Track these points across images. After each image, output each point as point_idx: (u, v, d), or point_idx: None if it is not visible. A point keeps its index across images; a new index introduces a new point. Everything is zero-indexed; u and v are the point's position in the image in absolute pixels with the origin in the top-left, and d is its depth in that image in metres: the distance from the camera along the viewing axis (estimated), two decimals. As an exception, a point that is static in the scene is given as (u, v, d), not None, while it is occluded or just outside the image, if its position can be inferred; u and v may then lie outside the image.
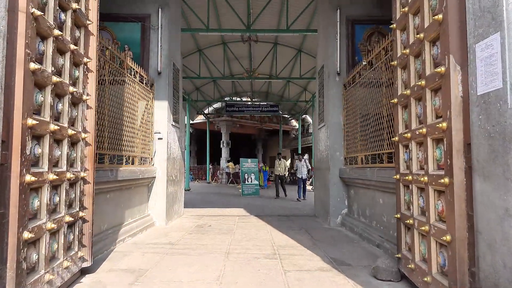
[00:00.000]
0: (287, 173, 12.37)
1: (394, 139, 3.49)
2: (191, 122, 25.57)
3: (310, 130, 25.24)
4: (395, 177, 3.43)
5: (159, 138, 6.69)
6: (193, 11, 9.65)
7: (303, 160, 13.20)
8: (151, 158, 6.60)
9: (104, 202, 4.67)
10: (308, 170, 13.08)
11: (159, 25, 6.78)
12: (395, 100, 3.43)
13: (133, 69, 5.71)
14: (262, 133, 32.86)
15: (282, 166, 13.72)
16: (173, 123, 7.18)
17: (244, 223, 7.03)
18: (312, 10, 10.87)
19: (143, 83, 6.17)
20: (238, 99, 23.76)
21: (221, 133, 26.27)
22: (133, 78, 5.68)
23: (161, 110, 6.73)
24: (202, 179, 28.71)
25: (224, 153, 25.74)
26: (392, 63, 3.58)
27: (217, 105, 25.36)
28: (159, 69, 6.72)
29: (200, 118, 26.00)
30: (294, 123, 29.43)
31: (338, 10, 6.82)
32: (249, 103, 21.40)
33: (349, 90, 6.44)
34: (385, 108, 4.78)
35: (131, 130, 5.66)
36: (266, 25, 12.20)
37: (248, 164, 14.49)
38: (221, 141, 25.81)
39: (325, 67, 7.18)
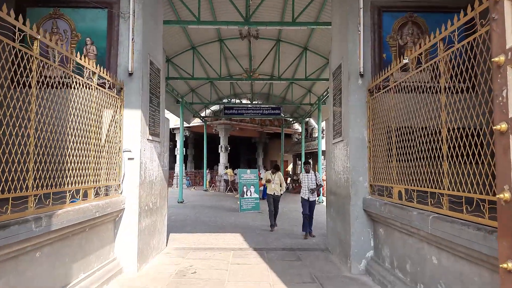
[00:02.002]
0: (283, 192, 9.44)
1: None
2: (187, 125, 24.08)
3: (314, 135, 23.72)
4: (504, 266, 1.89)
5: (129, 158, 5.16)
6: (181, 0, 8.11)
7: (311, 173, 8.27)
8: (118, 185, 5.07)
9: (31, 265, 3.15)
10: (319, 186, 8.15)
11: (131, 12, 5.25)
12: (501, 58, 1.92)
13: (86, 68, 4.18)
14: (263, 136, 31.32)
15: (278, 182, 9.19)
16: (150, 137, 5.65)
17: (240, 266, 5.50)
18: (321, 0, 9.35)
19: (105, 87, 4.65)
20: (237, 101, 22.22)
21: (219, 137, 24.73)
22: (86, 81, 4.15)
23: (133, 122, 5.21)
24: (199, 185, 27.22)
25: (223, 158, 24.20)
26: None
27: (215, 107, 23.83)
28: (130, 69, 5.20)
29: (197, 121, 24.45)
30: (296, 126, 27.89)
31: (362, -6, 5.29)
32: (249, 105, 19.87)
33: (377, 97, 4.91)
34: (445, 124, 3.25)
35: (84, 151, 4.14)
36: (268, 18, 10.67)
37: (247, 175, 12.94)
38: (219, 146, 24.27)
39: (343, 67, 5.65)
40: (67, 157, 3.79)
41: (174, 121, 22.90)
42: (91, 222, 4.16)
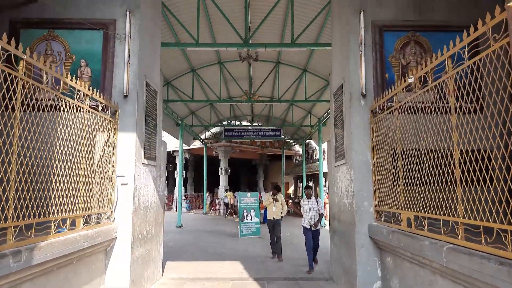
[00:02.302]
0: (284, 215, 8.70)
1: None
2: (187, 148, 23.92)
3: (315, 156, 23.47)
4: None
5: (122, 184, 4.92)
6: (179, 22, 8.09)
7: (313, 198, 7.33)
8: (111, 212, 4.81)
9: (7, 304, 2.86)
10: (320, 216, 7.27)
11: (127, 33, 5.15)
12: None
13: (78, 90, 4.01)
14: (263, 158, 31.08)
15: (279, 205, 8.45)
16: (145, 161, 5.43)
17: (239, 298, 5.16)
18: (320, 21, 9.36)
19: (98, 110, 4.47)
20: (238, 123, 22.13)
21: (219, 159, 24.48)
22: (77, 103, 3.97)
23: (127, 145, 5.00)
24: (199, 208, 26.75)
25: (223, 181, 23.87)
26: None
27: (215, 129, 23.73)
28: (125, 91, 5.04)
29: (197, 143, 24.28)
30: (297, 147, 27.70)
31: (362, 13, 5.20)
32: (249, 127, 19.77)
33: (381, 118, 4.72)
34: (457, 146, 3.03)
35: (73, 177, 3.91)
36: (267, 40, 10.67)
37: (247, 199, 12.61)
38: (220, 168, 23.99)
39: (344, 88, 5.49)
40: (54, 184, 3.56)
41: (174, 143, 22.80)
42: (79, 253, 3.88)
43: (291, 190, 31.82)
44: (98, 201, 4.51)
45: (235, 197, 23.86)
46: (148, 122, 5.60)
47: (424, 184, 3.59)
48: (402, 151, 4.13)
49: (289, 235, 12.11)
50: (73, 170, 3.90)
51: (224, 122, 21.41)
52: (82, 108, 4.10)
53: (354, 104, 5.15)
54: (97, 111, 4.44)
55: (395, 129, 4.27)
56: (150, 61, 5.78)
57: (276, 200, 8.49)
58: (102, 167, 4.68)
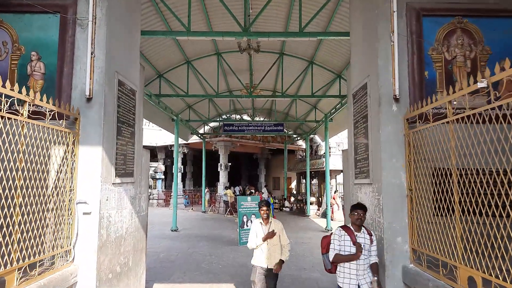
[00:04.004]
0: (287, 257, 4.72)
1: None
2: (185, 142, 22.81)
3: (320, 152, 22.33)
4: None
5: (84, 213, 3.82)
6: (166, 5, 6.88)
7: (364, 232, 3.72)
8: (70, 250, 3.72)
9: None
10: (375, 268, 3.70)
11: (90, 18, 3.98)
12: None
13: (7, 96, 2.86)
14: (264, 152, 29.95)
15: (276, 242, 4.70)
16: (118, 180, 4.32)
17: None
18: (331, 7, 8.12)
19: (44, 118, 3.34)
20: (238, 117, 20.97)
21: (219, 154, 23.36)
22: (4, 114, 2.83)
23: (91, 163, 3.87)
24: (198, 204, 25.76)
25: (222, 177, 22.79)
26: None
27: (214, 123, 22.56)
28: (87, 93, 3.89)
29: (196, 137, 23.14)
30: (300, 142, 26.53)
31: (395, -7, 4.01)
32: (250, 122, 18.61)
33: (423, 130, 3.58)
34: None
35: (7, 213, 2.80)
36: (270, 29, 9.45)
37: (248, 203, 11.53)
38: (219, 164, 22.89)
39: (369, 88, 4.33)
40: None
41: (171, 137, 21.67)
42: (11, 322, 2.80)
43: (293, 185, 30.76)
44: (50, 241, 3.41)
45: (234, 193, 22.88)
46: (122, 131, 4.46)
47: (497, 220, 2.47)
48: (461, 173, 3.00)
49: (294, 242, 11.04)
50: (9, 202, 2.79)
51: (224, 116, 20.25)
52: (17, 118, 2.96)
53: (383, 110, 4.00)
54: (44, 120, 3.31)
55: (448, 145, 3.12)
56: (124, 54, 4.62)
57: (271, 236, 4.63)
58: (57, 193, 3.58)
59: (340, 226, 3.82)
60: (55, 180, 3.64)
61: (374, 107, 4.14)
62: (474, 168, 2.74)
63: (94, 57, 3.97)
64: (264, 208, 4.79)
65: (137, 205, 5.03)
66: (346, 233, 3.70)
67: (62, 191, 3.68)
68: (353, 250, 3.61)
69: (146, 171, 5.52)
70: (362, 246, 3.60)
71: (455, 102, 3.27)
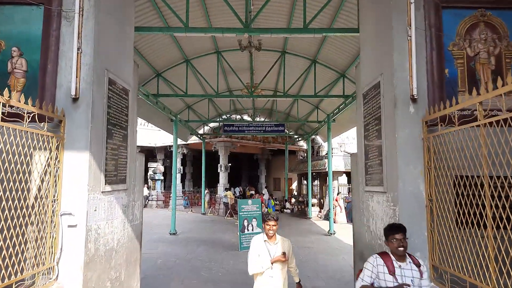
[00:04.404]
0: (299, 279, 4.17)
1: None
2: (185, 143, 22.45)
3: (321, 153, 21.95)
4: None
5: (69, 226, 3.45)
6: (165, 2, 6.51)
7: (409, 263, 2.90)
8: (53, 267, 3.36)
9: None
10: None
11: (77, 10, 3.62)
12: None
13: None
14: (265, 152, 29.57)
15: (280, 268, 3.72)
16: (108, 188, 3.95)
17: None
18: (336, 3, 7.75)
19: (22, 120, 2.97)
20: (238, 117, 20.60)
21: (219, 155, 22.99)
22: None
23: (77, 170, 3.51)
24: (198, 205, 25.37)
25: (222, 178, 22.42)
26: None
27: (214, 123, 22.19)
28: (73, 92, 3.53)
29: (195, 138, 22.77)
30: (301, 142, 26.15)
31: (412, -18, 3.65)
32: (250, 122, 18.24)
33: (445, 134, 3.21)
34: None
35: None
36: (273, 25, 9.08)
37: (248, 207, 11.17)
38: (219, 165, 22.51)
39: (383, 88, 3.96)
40: None
41: (170, 137, 21.28)
42: None
43: (294, 186, 30.39)
44: (30, 258, 3.05)
45: (234, 194, 22.52)
46: (113, 133, 4.10)
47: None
48: (494, 182, 2.63)
49: (296, 246, 10.65)
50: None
51: (224, 117, 19.88)
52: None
53: (399, 112, 3.63)
54: (21, 123, 2.94)
55: (472, 150, 2.76)
56: (115, 50, 4.25)
57: (283, 260, 3.70)
58: (39, 204, 3.22)
59: (378, 254, 3.02)
60: (37, 190, 3.28)
61: (389, 108, 3.77)
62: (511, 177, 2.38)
63: (81, 52, 3.61)
64: (271, 223, 3.75)
65: (130, 213, 4.66)
66: (383, 263, 2.87)
67: (45, 202, 3.32)
68: (390, 284, 2.80)
69: (140, 176, 5.15)
70: (411, 282, 2.78)
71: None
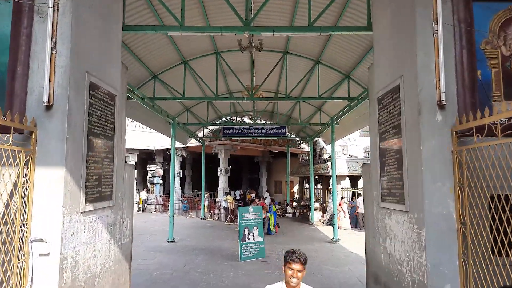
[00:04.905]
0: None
1: None
2: (184, 146, 21.96)
3: (324, 156, 21.43)
4: None
5: (41, 254, 2.96)
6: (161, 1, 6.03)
7: None
8: (20, 304, 2.86)
9: None
10: None
11: (50, 4, 3.13)
12: None
13: None
14: (266, 155, 29.06)
15: None
16: (89, 208, 3.46)
17: None
18: (341, 1, 7.27)
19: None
20: (238, 119, 20.11)
21: (219, 158, 22.48)
22: None
23: (51, 188, 3.02)
24: (198, 209, 24.86)
25: (222, 182, 21.90)
26: None
27: (213, 126, 21.70)
28: (45, 99, 3.04)
29: (195, 141, 22.28)
30: (303, 145, 25.64)
31: (439, -29, 3.15)
32: (251, 124, 17.75)
33: (483, 147, 2.72)
34: None
35: None
36: (275, 23, 8.60)
37: (249, 214, 10.66)
38: (219, 169, 22.00)
39: (403, 92, 3.46)
40: None
41: (168, 140, 20.78)
42: None
43: (295, 189, 29.87)
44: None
45: (235, 198, 22.02)
46: (95, 145, 3.60)
47: None
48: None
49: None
50: None
51: (224, 119, 19.41)
52: None
53: (425, 120, 3.13)
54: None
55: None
56: (98, 50, 3.76)
57: None
58: (3, 230, 2.73)
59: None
60: (1, 213, 2.79)
61: (412, 116, 3.27)
62: None
63: (56, 53, 3.12)
64: (296, 267, 2.60)
65: (117, 233, 4.16)
66: None
67: (10, 228, 2.82)
68: None
69: (130, 190, 4.66)
70: None
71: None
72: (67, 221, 3.08)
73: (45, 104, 3.04)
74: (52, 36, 3.10)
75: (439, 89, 3.08)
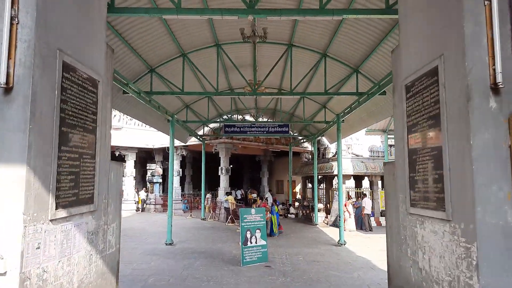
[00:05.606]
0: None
1: None
2: (184, 144, 21.37)
3: (327, 155, 20.82)
4: None
5: (-6, 275, 2.36)
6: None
7: None
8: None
9: None
10: None
11: (11, -39, 2.52)
12: None
13: None
14: (267, 154, 28.46)
15: None
16: (62, 214, 2.85)
17: None
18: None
19: None
20: (240, 117, 19.51)
21: (220, 157, 21.88)
22: None
23: (6, 192, 2.42)
24: (198, 209, 24.28)
25: (223, 181, 21.28)
26: None
27: (214, 124, 21.10)
28: (3, 80, 2.43)
29: (195, 139, 21.68)
30: (306, 143, 25.04)
31: None
32: (253, 122, 17.14)
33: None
34: None
35: None
36: (281, 6, 7.95)
37: (252, 216, 10.05)
38: (220, 168, 21.40)
39: (443, 74, 2.84)
40: None
41: (167, 138, 20.19)
42: None
43: (297, 189, 29.25)
44: None
45: (236, 198, 21.41)
46: (71, 138, 2.99)
47: None
48: None
49: (304, 260, 9.50)
50: None
51: (224, 117, 18.81)
52: None
53: (475, 107, 2.52)
54: None
55: None
56: (76, 25, 3.15)
57: None
58: None
59: None
60: None
61: (457, 103, 2.66)
62: None
63: (18, 23, 2.51)
64: None
65: (100, 242, 3.56)
66: None
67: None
68: None
69: (116, 191, 4.05)
70: None
71: None
72: (30, 232, 2.48)
73: (2, 86, 2.44)
74: (12, 3, 2.50)
75: (493, 69, 2.46)
